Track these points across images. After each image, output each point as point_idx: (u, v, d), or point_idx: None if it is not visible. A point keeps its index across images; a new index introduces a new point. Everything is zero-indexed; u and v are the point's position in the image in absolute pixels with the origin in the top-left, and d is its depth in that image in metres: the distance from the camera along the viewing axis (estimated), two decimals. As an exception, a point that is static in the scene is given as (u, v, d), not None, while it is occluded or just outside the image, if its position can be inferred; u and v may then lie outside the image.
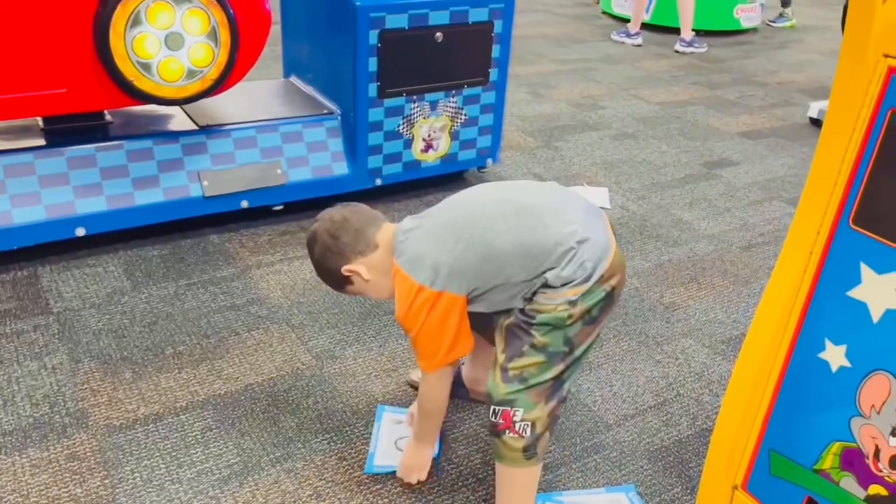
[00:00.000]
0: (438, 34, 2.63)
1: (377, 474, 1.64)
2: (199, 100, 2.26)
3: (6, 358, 1.89)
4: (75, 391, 1.81)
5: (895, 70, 0.81)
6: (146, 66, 2.08)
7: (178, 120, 2.49)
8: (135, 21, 2.02)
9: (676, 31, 5.54)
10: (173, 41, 2.09)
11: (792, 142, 3.84)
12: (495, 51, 2.79)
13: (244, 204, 2.51)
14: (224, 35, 2.15)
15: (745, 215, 3.01)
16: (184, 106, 2.52)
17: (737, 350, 2.16)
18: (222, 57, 2.17)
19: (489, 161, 3.03)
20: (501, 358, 1.41)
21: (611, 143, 3.66)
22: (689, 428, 1.85)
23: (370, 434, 1.75)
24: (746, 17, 6.08)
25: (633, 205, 3.02)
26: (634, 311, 2.32)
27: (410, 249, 1.42)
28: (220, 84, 2.24)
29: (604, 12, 6.51)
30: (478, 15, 2.69)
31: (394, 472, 1.64)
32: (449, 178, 3.03)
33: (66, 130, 2.28)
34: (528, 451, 1.40)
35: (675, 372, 2.05)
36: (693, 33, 5.43)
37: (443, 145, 2.86)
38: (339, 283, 1.53)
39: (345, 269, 1.48)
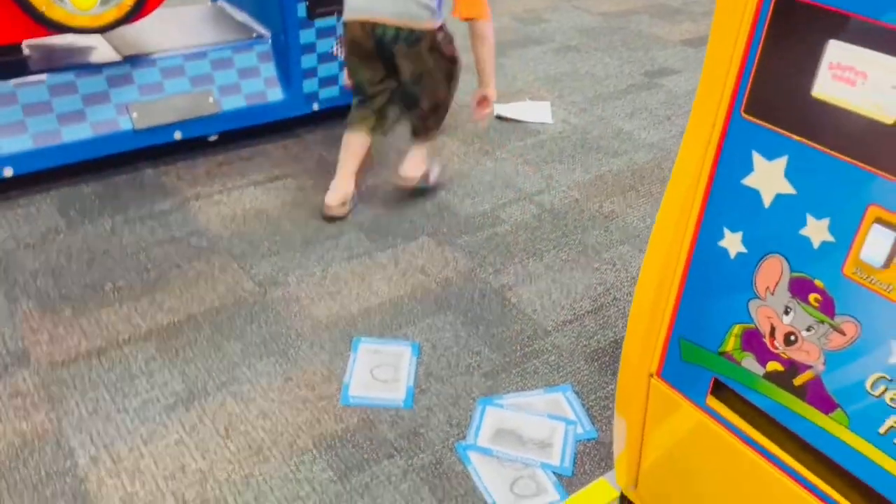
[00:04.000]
0: (367, -52, 2.54)
1: (354, 406, 1.66)
2: (118, 27, 2.18)
3: (-61, 302, 1.88)
4: (14, 331, 1.80)
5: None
6: (56, -6, 2.00)
7: (101, 51, 2.40)
8: (39, -55, 1.92)
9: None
10: (83, -34, 2.00)
11: (733, 47, 3.85)
12: (427, -36, 2.71)
13: (177, 135, 2.46)
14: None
15: (685, 122, 3.02)
16: (106, 35, 2.42)
17: (672, 253, 2.22)
18: (137, -19, 2.09)
19: (429, 80, 2.98)
20: None
21: (554, 57, 3.63)
22: (626, 329, 1.91)
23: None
24: (692, -79, 5.96)
25: (574, 118, 3.03)
26: (574, 222, 2.36)
27: None
28: (139, 10, 2.15)
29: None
30: (406, -74, 2.59)
31: (369, 406, 1.65)
32: (389, 100, 2.99)
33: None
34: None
35: (612, 278, 2.11)
36: (637, -60, 5.32)
37: (380, 66, 2.81)
38: None
39: None
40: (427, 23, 2.14)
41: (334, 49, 2.65)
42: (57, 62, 2.31)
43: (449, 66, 2.27)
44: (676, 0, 4.57)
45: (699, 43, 3.90)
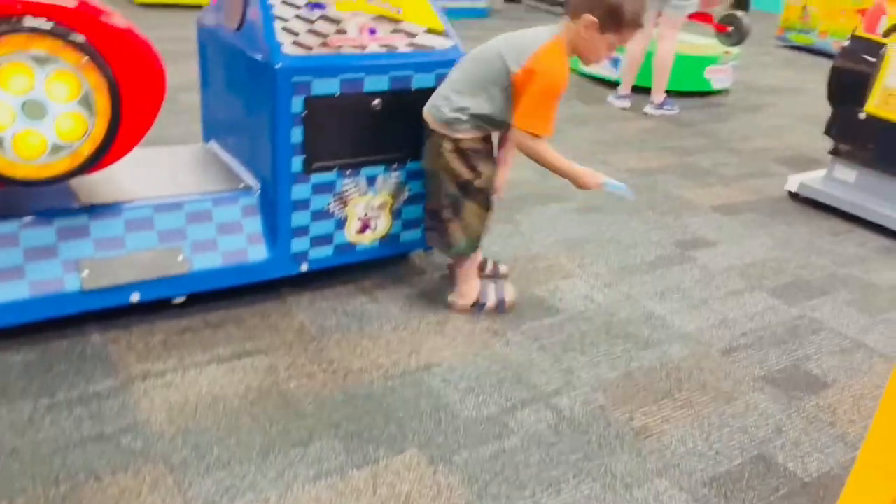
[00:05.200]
0: (376, 101, 2.27)
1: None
2: (70, 179, 1.85)
3: None
4: None
5: None
6: (-5, 140, 1.68)
7: (57, 196, 2.06)
8: (-19, 85, 1.62)
9: (649, 90, 5.28)
10: (33, 109, 1.69)
11: (771, 218, 3.54)
12: (443, 120, 2.44)
13: (134, 297, 2.09)
14: (102, 101, 1.75)
15: (724, 308, 2.66)
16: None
17: (720, 497, 1.77)
18: (99, 127, 1.77)
19: (436, 242, 2.65)
20: None
21: (576, 218, 3.31)
22: None
23: None
24: (717, 78, 5.87)
25: (598, 294, 2.66)
26: (598, 438, 1.93)
27: None
28: (97, 160, 1.83)
29: (573, 70, 6.26)
30: (422, 81, 2.33)
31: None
32: (390, 262, 2.65)
33: None
34: None
35: (647, 529, 1.66)
36: (665, 95, 5.18)
37: (382, 225, 2.48)
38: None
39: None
40: (453, 130, 2.20)
41: (331, 206, 2.33)
42: None
43: (469, 177, 2.24)
44: (705, 160, 4.33)
45: (733, 210, 3.60)
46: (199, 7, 7.10)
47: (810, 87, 6.50)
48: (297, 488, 1.66)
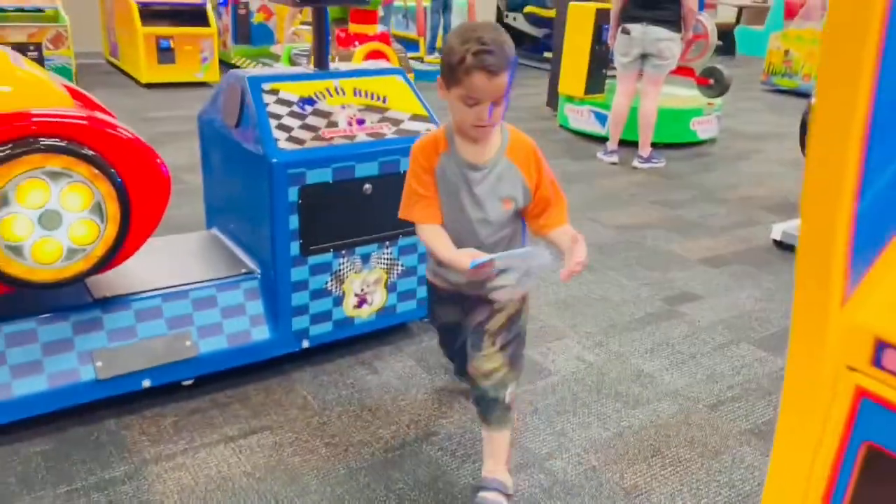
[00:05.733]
0: (367, 186, 2.43)
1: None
2: (84, 279, 2.00)
3: None
4: None
5: (866, 391, 0.57)
6: (16, 250, 1.83)
7: (71, 292, 2.21)
8: (2, 202, 1.78)
9: (637, 144, 5.46)
10: (49, 220, 1.85)
11: (757, 269, 3.66)
12: (431, 198, 2.59)
13: (146, 384, 2.22)
14: (112, 208, 1.91)
15: (712, 362, 2.76)
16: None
17: (709, 553, 1.85)
18: (110, 232, 1.93)
19: (431, 312, 2.78)
20: None
21: (567, 278, 3.43)
22: None
23: None
24: (703, 129, 6.07)
25: (589, 354, 2.76)
26: (591, 499, 2.02)
27: None
28: (109, 260, 1.99)
29: (561, 126, 6.48)
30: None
31: None
32: (387, 332, 2.77)
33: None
34: None
35: (637, 589, 1.74)
36: (651, 149, 5.36)
37: (378, 299, 2.61)
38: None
39: None
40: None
41: (328, 285, 2.46)
42: (18, 307, 2.12)
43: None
44: (693, 212, 4.47)
45: (720, 262, 3.72)
46: (204, 85, 7.41)
47: (794, 131, 6.66)
48: (303, 564, 1.76)
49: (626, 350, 2.81)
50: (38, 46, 6.49)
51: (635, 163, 5.35)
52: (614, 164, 5.41)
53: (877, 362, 0.55)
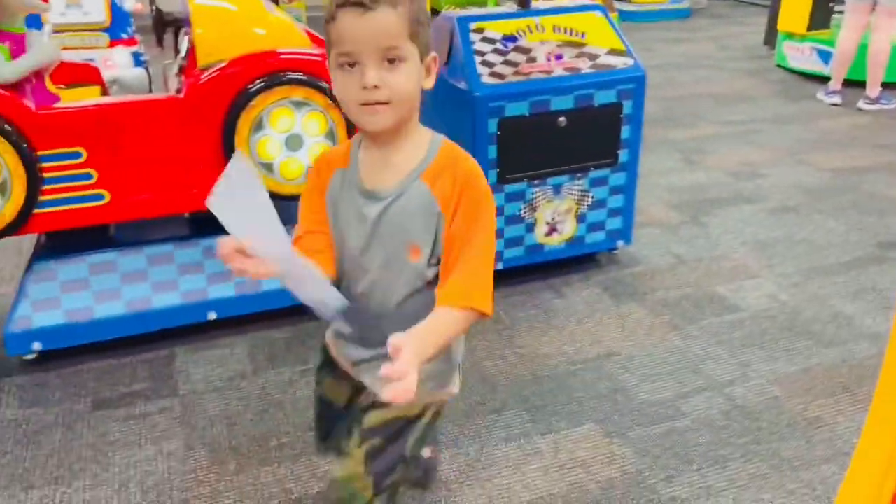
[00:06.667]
0: (562, 119, 2.57)
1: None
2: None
3: (130, 441, 2.05)
4: (183, 480, 1.91)
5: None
6: (268, 167, 2.22)
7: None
8: (257, 126, 2.16)
9: (863, 85, 5.00)
10: (293, 142, 2.22)
11: None
12: (625, 132, 2.67)
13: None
14: (342, 134, 2.24)
15: (924, 310, 2.60)
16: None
17: (892, 486, 1.83)
18: (339, 154, 2.27)
19: (620, 243, 2.88)
20: None
21: (767, 219, 3.34)
22: (819, 583, 1.59)
23: None
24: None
25: (784, 294, 2.72)
26: (769, 426, 2.06)
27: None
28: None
29: (778, 65, 6.06)
30: (604, 97, 2.59)
31: None
32: (576, 261, 2.92)
33: (203, 221, 2.47)
34: None
35: (809, 508, 1.79)
36: (881, 89, 4.88)
37: (568, 228, 2.76)
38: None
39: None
40: None
41: (522, 212, 2.66)
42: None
43: None
44: (924, 156, 4.07)
45: (950, 209, 3.39)
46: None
47: None
48: (491, 446, 2.01)
49: (825, 292, 2.72)
50: (275, -1, 7.26)
51: (861, 104, 4.91)
52: (836, 104, 5.00)
53: None
